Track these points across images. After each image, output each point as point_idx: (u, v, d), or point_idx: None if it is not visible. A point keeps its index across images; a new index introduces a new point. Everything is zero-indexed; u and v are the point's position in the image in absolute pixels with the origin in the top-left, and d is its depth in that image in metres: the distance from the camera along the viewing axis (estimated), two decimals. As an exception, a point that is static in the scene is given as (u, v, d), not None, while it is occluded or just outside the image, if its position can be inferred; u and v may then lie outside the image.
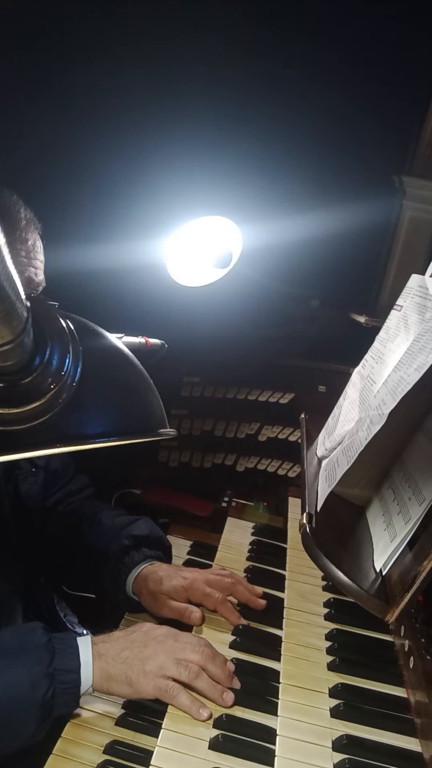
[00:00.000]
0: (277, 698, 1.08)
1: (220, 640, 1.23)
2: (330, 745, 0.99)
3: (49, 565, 1.49)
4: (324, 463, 1.47)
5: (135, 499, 1.91)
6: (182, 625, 1.24)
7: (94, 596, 1.52)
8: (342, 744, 0.99)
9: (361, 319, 2.10)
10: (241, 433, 2.15)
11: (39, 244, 1.21)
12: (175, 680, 1.05)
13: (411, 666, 1.12)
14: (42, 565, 1.46)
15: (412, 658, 1.12)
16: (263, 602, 1.33)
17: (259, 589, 1.37)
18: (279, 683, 1.12)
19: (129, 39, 2.10)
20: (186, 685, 1.06)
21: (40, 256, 1.22)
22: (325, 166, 2.35)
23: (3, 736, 0.96)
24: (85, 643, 1.06)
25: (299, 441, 1.90)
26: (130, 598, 1.33)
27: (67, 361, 0.78)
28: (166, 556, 1.43)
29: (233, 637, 1.24)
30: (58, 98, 2.02)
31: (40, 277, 1.22)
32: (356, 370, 1.59)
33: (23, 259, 1.17)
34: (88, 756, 0.97)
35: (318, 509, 1.28)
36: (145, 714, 1.05)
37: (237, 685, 1.09)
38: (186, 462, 2.14)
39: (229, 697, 1.06)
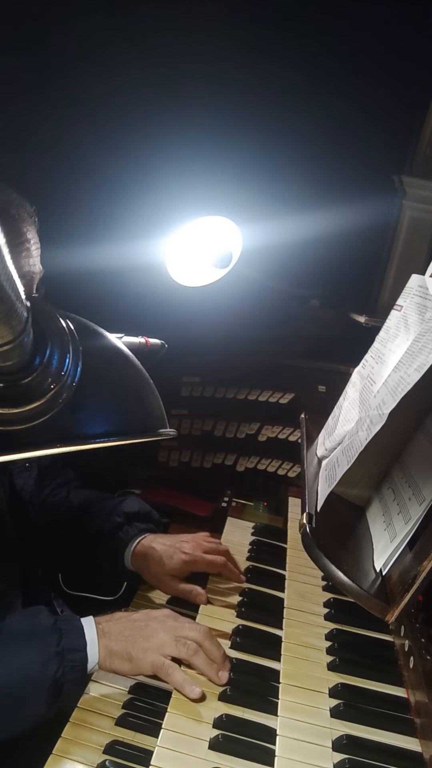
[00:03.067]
0: (277, 698, 1.08)
1: (220, 640, 1.23)
2: (330, 745, 0.99)
3: (46, 558, 1.51)
4: (324, 463, 1.47)
5: (135, 499, 1.91)
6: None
7: (92, 596, 1.54)
8: (342, 744, 0.99)
9: (361, 319, 2.10)
10: (241, 433, 2.14)
11: (35, 234, 1.23)
12: (173, 658, 1.09)
13: (411, 666, 1.12)
14: (39, 558, 1.48)
15: (412, 658, 1.12)
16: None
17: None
18: (279, 683, 1.12)
19: (129, 39, 2.09)
20: (183, 663, 1.10)
21: (38, 246, 1.24)
22: (325, 166, 2.35)
23: (18, 715, 1.00)
24: (88, 623, 1.10)
25: (299, 441, 1.90)
26: (130, 570, 1.41)
27: (67, 361, 0.78)
28: (157, 528, 1.51)
29: (233, 637, 1.24)
30: (58, 98, 2.02)
31: (38, 267, 1.24)
32: (356, 370, 1.59)
33: (22, 254, 1.19)
34: (88, 756, 0.97)
35: (318, 509, 1.28)
36: (145, 714, 1.05)
37: (227, 666, 1.13)
38: (186, 462, 2.14)
39: (224, 676, 1.10)
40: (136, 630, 1.11)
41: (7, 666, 1.01)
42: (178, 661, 1.11)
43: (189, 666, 1.12)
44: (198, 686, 1.07)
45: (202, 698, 1.06)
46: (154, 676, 1.12)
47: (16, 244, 1.18)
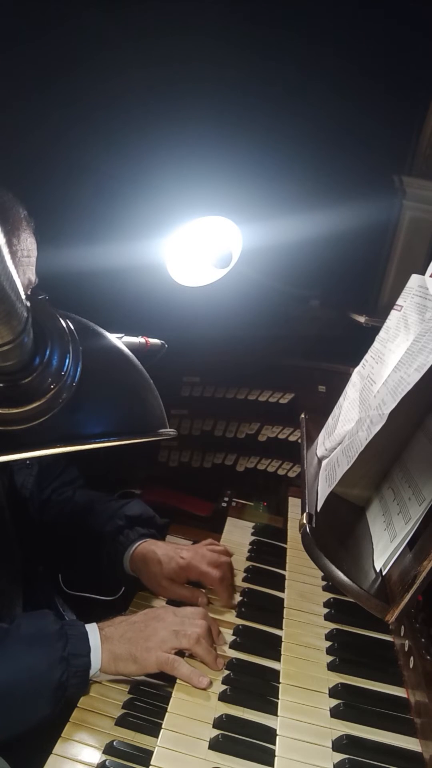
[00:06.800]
0: (277, 698, 1.08)
1: (221, 640, 1.23)
2: (330, 745, 0.99)
3: (48, 556, 1.52)
4: (324, 463, 1.47)
5: (135, 499, 1.91)
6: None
7: (91, 596, 1.54)
8: (342, 744, 0.99)
9: (361, 319, 2.09)
10: (241, 433, 2.14)
11: (33, 241, 1.22)
12: (176, 650, 1.12)
13: (411, 666, 1.12)
14: (39, 556, 1.49)
15: (412, 658, 1.12)
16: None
17: None
18: (279, 683, 1.12)
19: (129, 39, 2.09)
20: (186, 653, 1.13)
21: (34, 254, 1.22)
22: (325, 166, 2.35)
23: (23, 714, 1.02)
24: (93, 629, 1.12)
25: (299, 441, 1.90)
26: (128, 575, 1.41)
27: (67, 361, 0.78)
28: (159, 534, 1.51)
29: (233, 637, 1.24)
30: (58, 98, 2.02)
31: (33, 275, 1.23)
32: (356, 370, 1.59)
33: (20, 258, 1.18)
34: (88, 756, 0.97)
35: (318, 509, 1.28)
36: (145, 714, 1.06)
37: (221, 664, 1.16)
38: (186, 462, 2.14)
39: (221, 663, 1.15)
40: (136, 632, 1.13)
41: (15, 666, 1.03)
42: (181, 653, 1.13)
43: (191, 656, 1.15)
44: (206, 676, 1.10)
45: (209, 686, 1.09)
46: (154, 676, 1.12)
47: None
